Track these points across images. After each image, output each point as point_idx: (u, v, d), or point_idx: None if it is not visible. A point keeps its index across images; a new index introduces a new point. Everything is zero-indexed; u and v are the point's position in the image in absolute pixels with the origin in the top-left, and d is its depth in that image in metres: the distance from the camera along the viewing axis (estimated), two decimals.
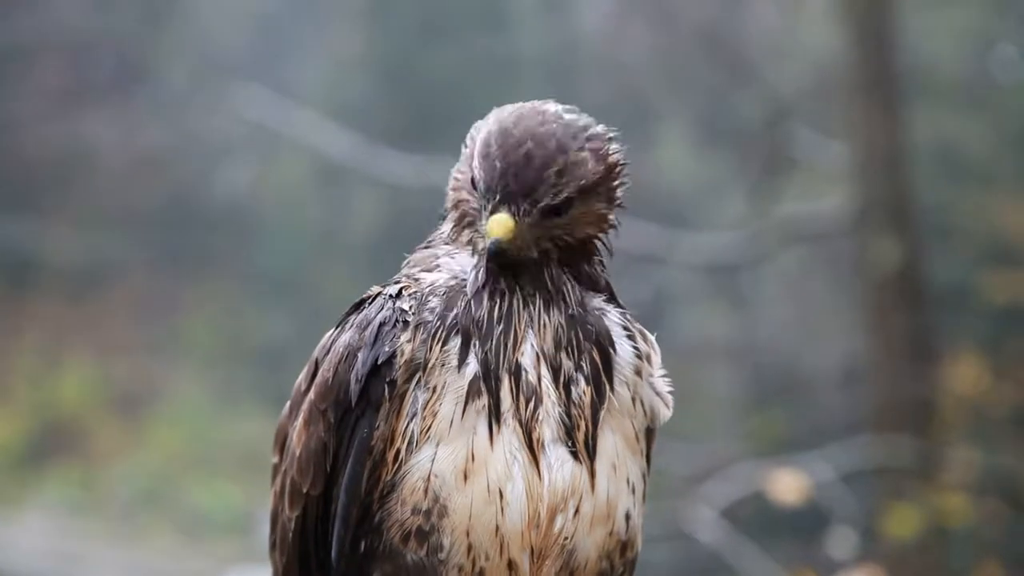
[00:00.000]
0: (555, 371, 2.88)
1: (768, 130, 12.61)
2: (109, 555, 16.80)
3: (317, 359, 2.99)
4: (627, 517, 2.90)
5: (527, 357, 2.87)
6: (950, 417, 11.13)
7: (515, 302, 2.90)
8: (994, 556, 10.98)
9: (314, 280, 17.86)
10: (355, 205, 17.28)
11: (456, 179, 3.02)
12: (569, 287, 2.92)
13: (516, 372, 2.86)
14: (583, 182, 2.87)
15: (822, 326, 14.11)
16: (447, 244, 3.01)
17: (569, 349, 2.89)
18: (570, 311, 2.90)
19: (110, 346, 18.76)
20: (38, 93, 19.14)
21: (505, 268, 2.90)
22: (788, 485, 9.05)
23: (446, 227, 3.04)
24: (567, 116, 2.91)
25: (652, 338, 3.02)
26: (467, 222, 2.97)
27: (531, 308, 2.89)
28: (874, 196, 10.54)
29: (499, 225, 2.83)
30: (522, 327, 2.88)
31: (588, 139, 2.88)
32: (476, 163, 2.89)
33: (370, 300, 2.96)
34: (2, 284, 19.06)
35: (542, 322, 2.89)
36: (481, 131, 2.92)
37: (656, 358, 3.01)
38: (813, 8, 13.20)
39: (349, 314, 2.99)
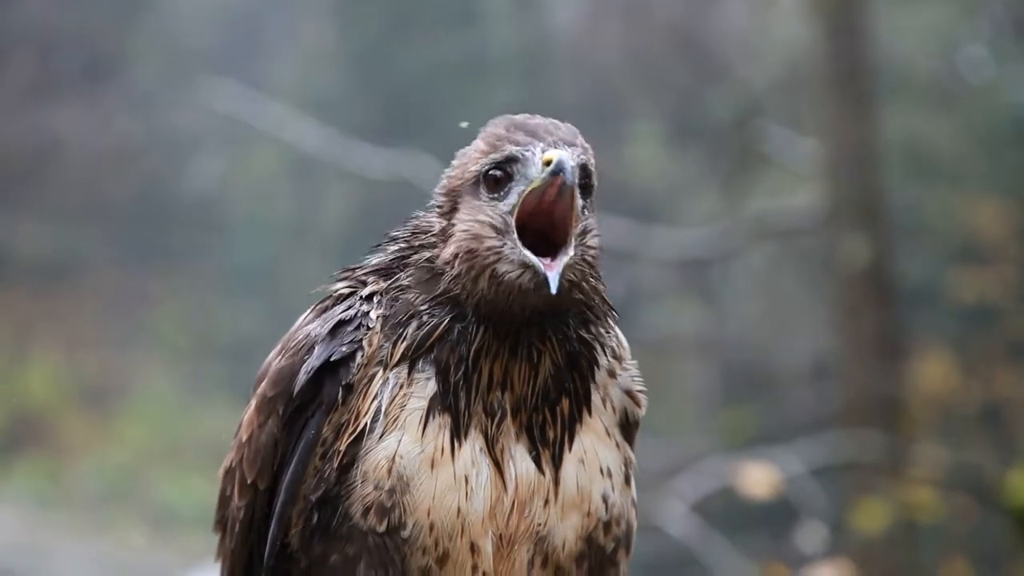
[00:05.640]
0: (533, 399, 2.85)
1: (739, 127, 12.64)
2: (77, 548, 16.73)
3: (282, 345, 2.96)
4: (604, 498, 2.89)
5: (503, 398, 2.84)
6: (918, 413, 11.18)
7: (501, 358, 2.83)
8: (962, 552, 11.03)
9: (285, 274, 17.82)
10: (327, 199, 17.25)
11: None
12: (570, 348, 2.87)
13: (489, 406, 2.82)
14: (595, 172, 2.85)
15: (792, 322, 14.15)
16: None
17: (552, 381, 2.86)
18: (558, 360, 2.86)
19: (78, 339, 18.69)
20: (8, 87, 19.05)
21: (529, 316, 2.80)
22: (758, 479, 9.05)
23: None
24: None
25: (623, 338, 3.01)
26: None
27: (519, 362, 2.84)
28: (844, 193, 10.57)
29: (555, 152, 2.73)
30: (501, 374, 2.82)
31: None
32: (500, 146, 2.81)
33: (343, 297, 2.91)
34: None
35: (524, 372, 2.84)
36: (484, 136, 2.86)
37: (627, 355, 3.00)
38: (783, 5, 13.24)
39: (323, 306, 2.95)
